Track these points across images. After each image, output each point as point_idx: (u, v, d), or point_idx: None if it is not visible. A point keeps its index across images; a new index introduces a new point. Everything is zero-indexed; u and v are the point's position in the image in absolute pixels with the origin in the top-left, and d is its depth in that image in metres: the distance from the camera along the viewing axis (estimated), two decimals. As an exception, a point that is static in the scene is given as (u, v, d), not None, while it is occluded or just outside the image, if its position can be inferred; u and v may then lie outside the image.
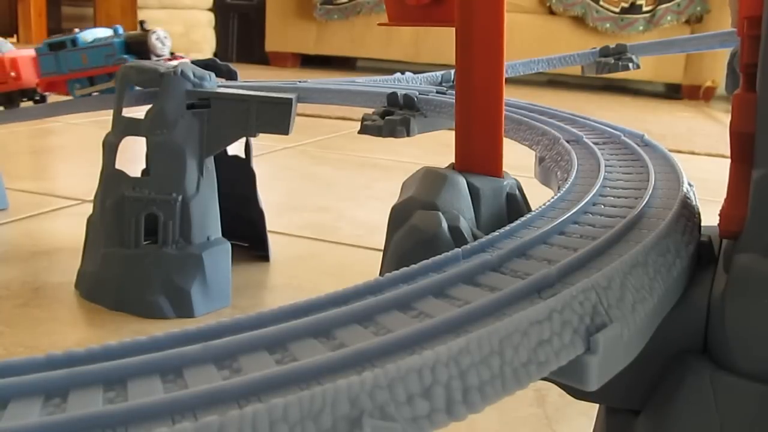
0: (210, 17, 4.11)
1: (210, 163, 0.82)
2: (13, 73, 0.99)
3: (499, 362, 0.25)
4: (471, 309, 0.27)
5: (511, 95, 0.67)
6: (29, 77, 1.00)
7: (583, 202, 0.41)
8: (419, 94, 0.76)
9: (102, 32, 0.93)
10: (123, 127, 0.82)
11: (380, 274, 0.53)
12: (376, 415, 0.22)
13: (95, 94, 0.95)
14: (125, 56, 0.89)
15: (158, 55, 0.89)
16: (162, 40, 0.90)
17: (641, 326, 0.30)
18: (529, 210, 0.59)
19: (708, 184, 0.67)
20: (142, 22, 0.94)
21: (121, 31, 0.92)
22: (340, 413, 0.21)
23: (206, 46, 4.07)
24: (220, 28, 4.12)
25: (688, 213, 0.40)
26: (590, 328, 0.28)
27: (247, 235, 0.99)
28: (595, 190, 0.43)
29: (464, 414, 0.23)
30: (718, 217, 0.35)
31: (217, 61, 0.94)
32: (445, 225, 0.54)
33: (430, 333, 0.26)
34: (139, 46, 0.90)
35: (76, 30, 0.94)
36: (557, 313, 0.27)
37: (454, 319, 0.27)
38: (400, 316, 0.28)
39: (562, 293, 0.28)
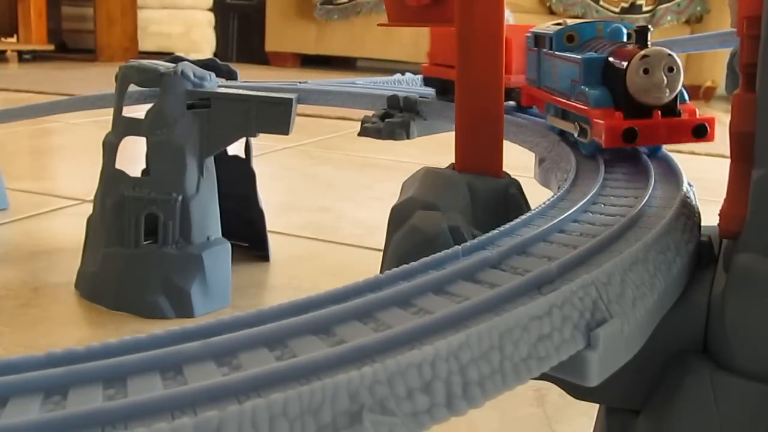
0: (210, 17, 4.10)
1: (210, 163, 0.82)
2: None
3: (499, 357, 0.25)
4: (471, 305, 0.27)
5: (511, 95, 0.67)
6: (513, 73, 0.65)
7: (583, 201, 0.41)
8: (420, 97, 0.76)
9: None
10: (123, 127, 0.82)
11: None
12: (376, 409, 0.21)
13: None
14: (590, 89, 0.48)
15: (651, 98, 0.46)
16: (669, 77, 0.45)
17: (641, 322, 0.30)
18: (529, 210, 0.59)
19: (708, 184, 0.67)
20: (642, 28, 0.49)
21: (623, 32, 0.52)
22: (339, 408, 0.21)
23: (206, 46, 4.07)
24: (220, 28, 4.12)
25: (688, 212, 0.40)
26: (590, 323, 0.28)
27: (247, 235, 0.99)
28: (595, 190, 0.43)
29: (465, 408, 0.23)
30: (718, 217, 0.35)
31: (217, 61, 0.94)
32: (445, 225, 0.54)
33: (430, 328, 0.26)
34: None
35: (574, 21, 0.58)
36: (557, 309, 0.27)
37: (454, 315, 0.27)
38: (399, 312, 0.28)
39: (562, 289, 0.28)
